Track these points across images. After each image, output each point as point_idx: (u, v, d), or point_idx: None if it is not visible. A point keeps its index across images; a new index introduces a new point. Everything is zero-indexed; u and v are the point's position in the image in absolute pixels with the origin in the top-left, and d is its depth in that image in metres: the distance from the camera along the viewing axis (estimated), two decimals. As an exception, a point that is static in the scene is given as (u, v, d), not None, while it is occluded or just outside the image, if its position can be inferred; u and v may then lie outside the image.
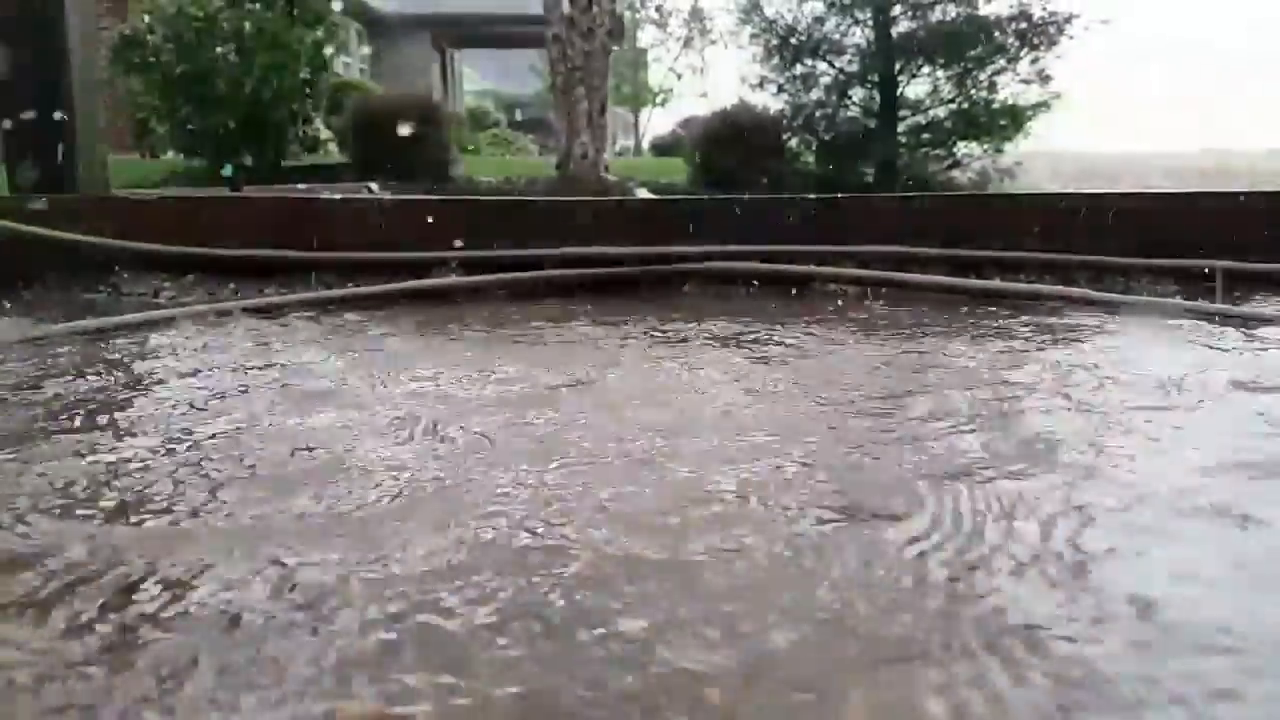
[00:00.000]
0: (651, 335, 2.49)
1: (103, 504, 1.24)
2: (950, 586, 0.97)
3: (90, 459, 1.42)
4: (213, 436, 1.53)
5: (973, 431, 1.54)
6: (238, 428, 1.58)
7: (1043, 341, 2.43)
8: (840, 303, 3.04)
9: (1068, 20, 11.93)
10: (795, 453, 1.41)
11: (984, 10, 12.21)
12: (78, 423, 1.64)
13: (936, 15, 12.35)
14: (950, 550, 1.05)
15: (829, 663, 0.84)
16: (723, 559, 1.03)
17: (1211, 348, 2.27)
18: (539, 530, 1.10)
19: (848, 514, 1.16)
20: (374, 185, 8.55)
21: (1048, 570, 1.00)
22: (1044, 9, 12.03)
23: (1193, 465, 1.38)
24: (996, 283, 3.21)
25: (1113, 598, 0.94)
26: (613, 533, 1.09)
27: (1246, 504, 1.18)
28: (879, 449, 1.46)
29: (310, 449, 1.45)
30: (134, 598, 0.95)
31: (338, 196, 4.42)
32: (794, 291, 3.19)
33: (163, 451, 1.46)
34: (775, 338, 2.45)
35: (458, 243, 3.35)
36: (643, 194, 8.14)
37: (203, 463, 1.39)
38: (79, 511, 1.21)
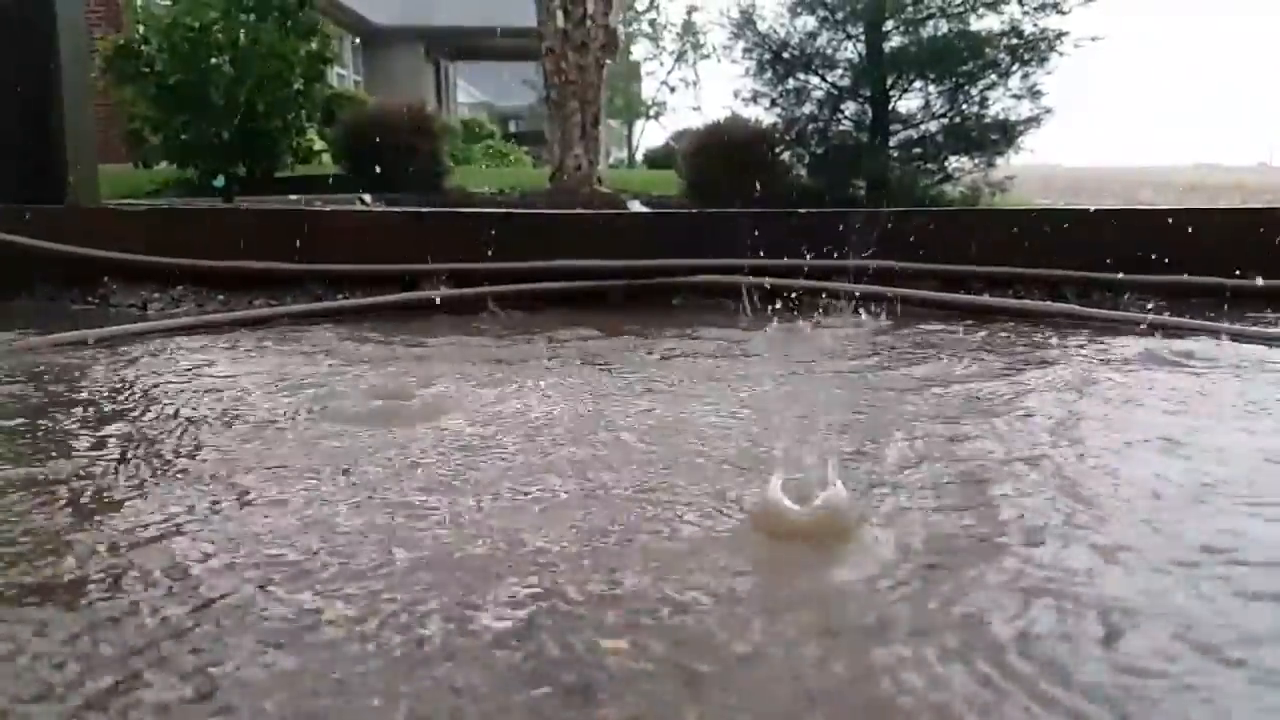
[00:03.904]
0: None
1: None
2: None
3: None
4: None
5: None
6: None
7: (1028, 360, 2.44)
8: (825, 314, 3.05)
9: (1059, 37, 11.99)
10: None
11: (975, 26, 12.26)
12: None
13: (928, 31, 12.39)
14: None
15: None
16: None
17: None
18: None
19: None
20: (367, 197, 8.53)
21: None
22: (1035, 25, 12.09)
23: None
24: (985, 298, 3.22)
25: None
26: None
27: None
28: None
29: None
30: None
31: (329, 208, 4.42)
32: (785, 304, 3.20)
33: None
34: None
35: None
36: (635, 207, 8.15)
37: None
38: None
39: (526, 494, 1.37)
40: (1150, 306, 3.09)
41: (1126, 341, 2.58)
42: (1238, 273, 3.12)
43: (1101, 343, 2.60)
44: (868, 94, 12.43)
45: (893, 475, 1.46)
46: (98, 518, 1.28)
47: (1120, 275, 3.24)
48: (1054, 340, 2.66)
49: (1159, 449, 1.62)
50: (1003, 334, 2.75)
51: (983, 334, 2.76)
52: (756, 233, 3.43)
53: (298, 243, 3.39)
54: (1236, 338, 2.56)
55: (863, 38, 12.45)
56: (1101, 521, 1.28)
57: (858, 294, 3.01)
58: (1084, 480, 1.44)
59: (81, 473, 1.47)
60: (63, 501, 1.34)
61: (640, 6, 30.16)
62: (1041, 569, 1.12)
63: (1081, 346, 2.56)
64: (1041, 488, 1.41)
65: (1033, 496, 1.38)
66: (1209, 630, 0.96)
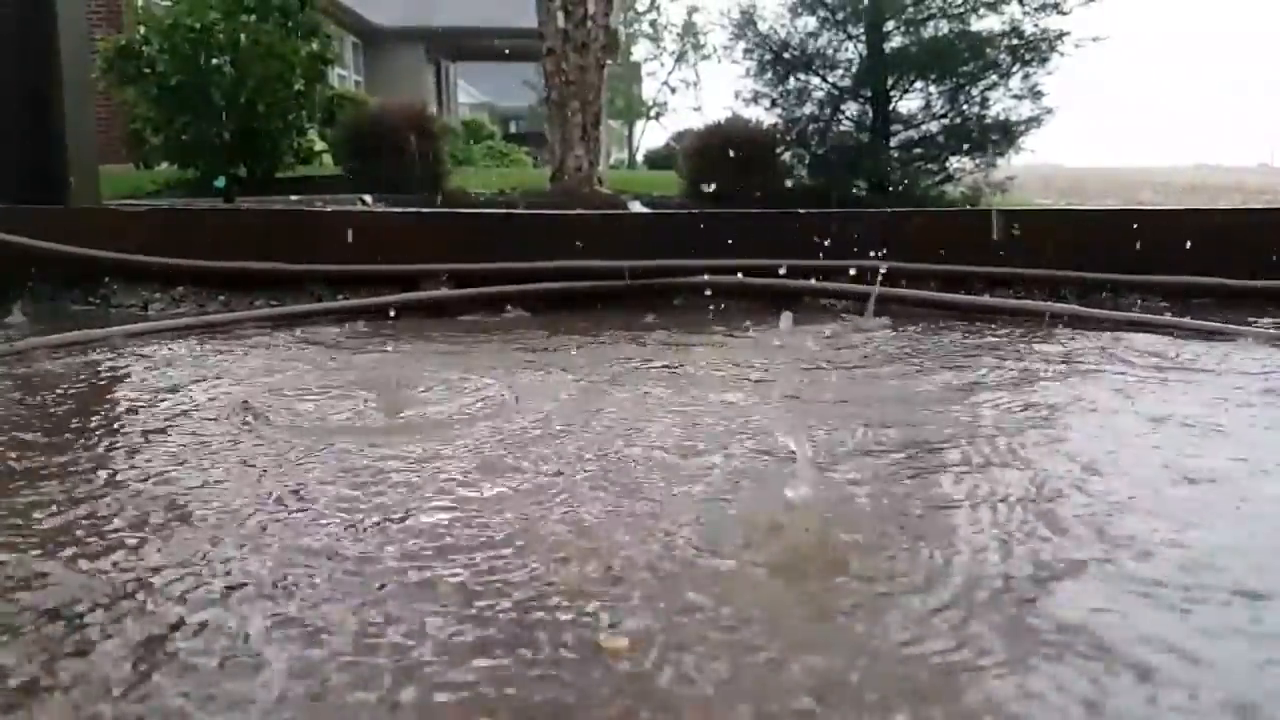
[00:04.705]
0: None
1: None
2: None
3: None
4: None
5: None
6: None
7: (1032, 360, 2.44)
8: (826, 317, 3.04)
9: (1059, 37, 12.00)
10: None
11: (976, 26, 12.28)
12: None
13: (929, 31, 12.41)
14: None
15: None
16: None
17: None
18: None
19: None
20: (368, 198, 8.54)
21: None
22: (1036, 26, 12.11)
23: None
24: (986, 298, 3.22)
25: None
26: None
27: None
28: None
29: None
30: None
31: (330, 209, 4.42)
32: (786, 305, 3.19)
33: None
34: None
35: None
36: (636, 207, 8.15)
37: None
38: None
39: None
40: (1164, 307, 3.09)
41: (1138, 342, 2.56)
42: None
43: (1119, 344, 2.56)
44: (868, 94, 12.44)
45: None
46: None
47: (1122, 276, 3.24)
48: (1067, 341, 2.65)
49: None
50: (1012, 335, 2.74)
51: (991, 336, 2.75)
52: (757, 233, 3.43)
53: (298, 243, 3.39)
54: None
55: (863, 38, 12.46)
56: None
57: (873, 295, 2.99)
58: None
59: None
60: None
61: (641, 7, 30.19)
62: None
63: (1102, 348, 2.50)
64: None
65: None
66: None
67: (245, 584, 1.07)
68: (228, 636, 0.95)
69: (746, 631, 0.97)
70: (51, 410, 1.90)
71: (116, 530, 1.24)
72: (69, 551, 1.16)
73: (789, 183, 11.17)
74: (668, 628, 0.97)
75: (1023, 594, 1.05)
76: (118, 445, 1.64)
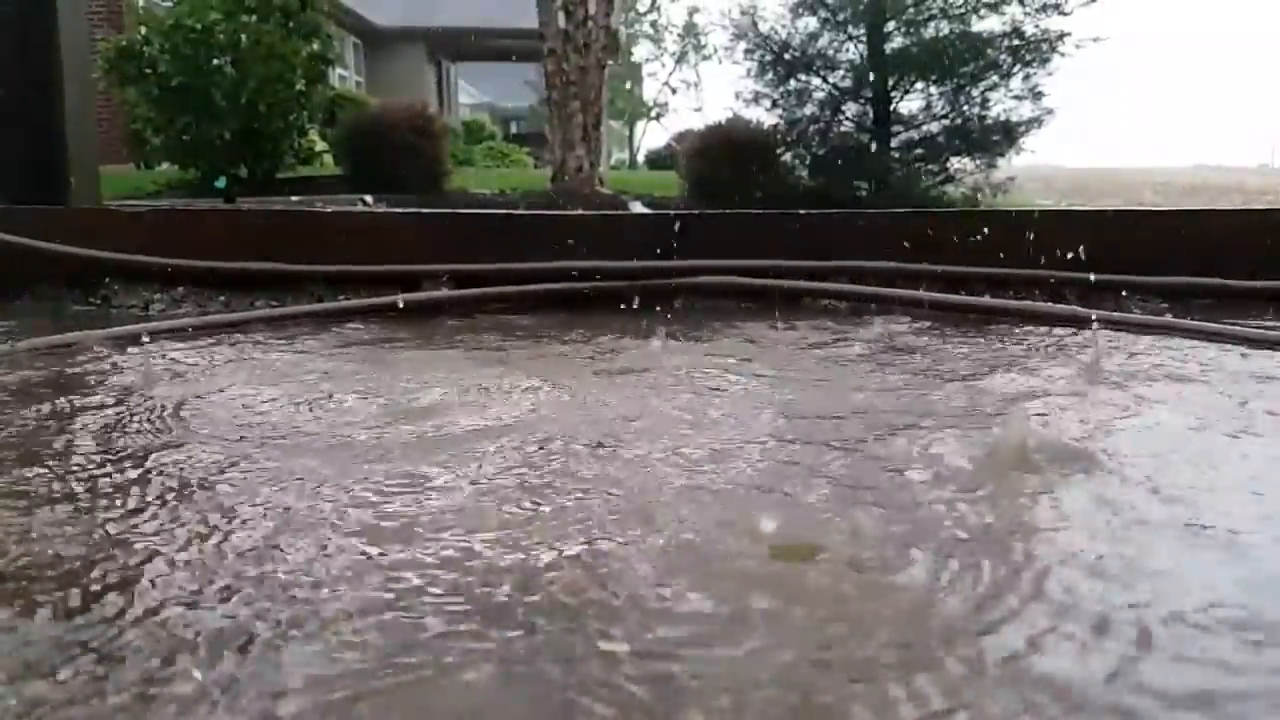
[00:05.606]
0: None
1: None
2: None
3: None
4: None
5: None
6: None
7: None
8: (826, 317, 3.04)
9: (1060, 38, 11.98)
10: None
11: (977, 27, 12.25)
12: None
13: (929, 32, 12.38)
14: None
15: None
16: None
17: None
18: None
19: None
20: (369, 198, 8.54)
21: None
22: (1036, 26, 12.08)
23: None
24: (986, 299, 3.21)
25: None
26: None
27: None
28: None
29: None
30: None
31: (330, 209, 4.42)
32: (784, 305, 3.18)
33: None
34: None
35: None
36: (637, 208, 8.15)
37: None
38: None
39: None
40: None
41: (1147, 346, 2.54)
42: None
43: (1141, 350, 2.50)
44: (869, 95, 12.41)
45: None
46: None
47: (1120, 276, 3.23)
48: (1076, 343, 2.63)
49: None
50: (1044, 339, 2.70)
51: (1024, 340, 2.73)
52: (757, 233, 3.43)
53: (299, 244, 3.39)
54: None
55: (864, 39, 12.44)
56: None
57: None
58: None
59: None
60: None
61: (642, 8, 30.21)
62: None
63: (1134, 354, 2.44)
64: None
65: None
66: None
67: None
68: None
69: (749, 642, 0.97)
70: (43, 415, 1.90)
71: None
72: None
73: (790, 183, 11.17)
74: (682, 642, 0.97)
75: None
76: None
